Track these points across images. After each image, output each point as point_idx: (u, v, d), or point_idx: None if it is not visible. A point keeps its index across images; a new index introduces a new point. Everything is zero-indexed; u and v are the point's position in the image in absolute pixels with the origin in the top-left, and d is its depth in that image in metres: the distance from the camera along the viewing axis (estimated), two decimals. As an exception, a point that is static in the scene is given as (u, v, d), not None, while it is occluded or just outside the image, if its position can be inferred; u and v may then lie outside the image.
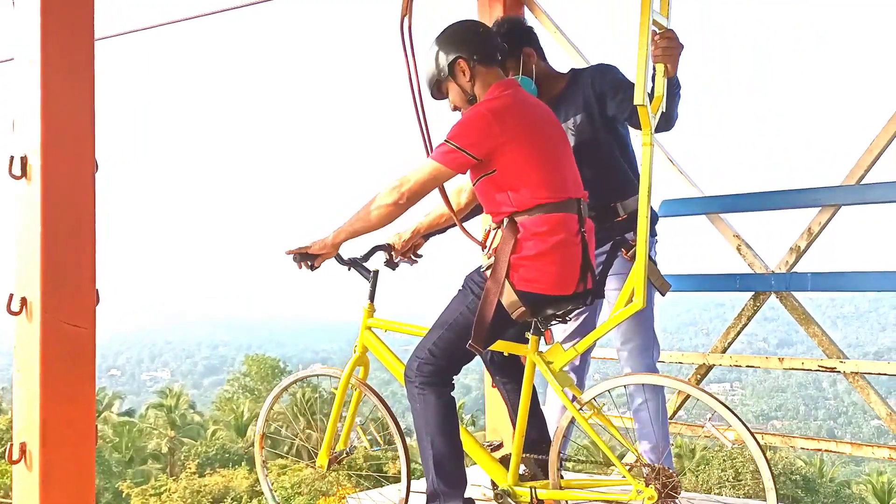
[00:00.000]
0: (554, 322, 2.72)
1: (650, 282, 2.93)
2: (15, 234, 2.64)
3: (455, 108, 2.83)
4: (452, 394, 2.74)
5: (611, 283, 3.04)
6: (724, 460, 22.98)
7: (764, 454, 2.39)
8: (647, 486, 2.48)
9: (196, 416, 41.06)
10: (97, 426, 2.89)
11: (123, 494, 27.98)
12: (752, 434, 2.44)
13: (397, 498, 3.15)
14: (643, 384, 2.94)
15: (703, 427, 2.66)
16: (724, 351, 4.13)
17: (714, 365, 4.11)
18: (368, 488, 3.90)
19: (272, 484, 3.39)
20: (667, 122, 2.90)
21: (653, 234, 3.20)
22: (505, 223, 2.61)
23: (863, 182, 3.74)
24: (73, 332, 2.65)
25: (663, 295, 3.09)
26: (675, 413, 4.20)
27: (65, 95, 2.68)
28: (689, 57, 2.72)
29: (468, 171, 2.69)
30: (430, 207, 3.19)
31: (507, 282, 2.56)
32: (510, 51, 2.95)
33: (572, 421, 2.67)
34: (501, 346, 2.79)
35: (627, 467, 2.58)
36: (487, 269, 2.62)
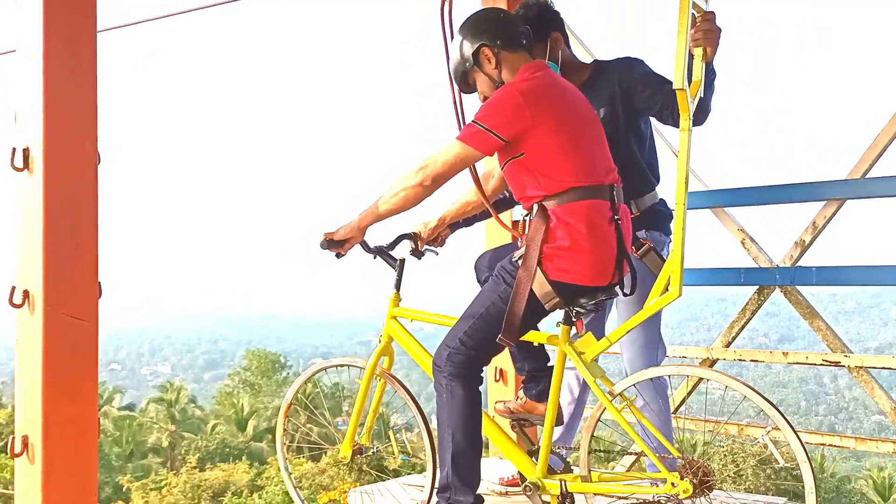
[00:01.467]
0: (585, 312, 2.67)
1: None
2: (17, 227, 2.63)
3: (485, 99, 2.74)
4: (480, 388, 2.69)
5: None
6: (724, 456, 22.97)
7: (809, 459, 2.32)
8: (682, 479, 2.43)
9: (197, 410, 41.08)
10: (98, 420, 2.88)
11: (124, 488, 28.01)
12: (798, 437, 2.36)
13: (399, 491, 3.14)
14: (646, 382, 2.88)
15: (759, 438, 2.59)
16: (728, 345, 4.11)
17: (718, 359, 4.10)
18: (370, 482, 3.88)
19: (273, 479, 3.38)
20: (702, 112, 2.83)
21: (667, 232, 3.17)
22: (535, 210, 2.54)
23: (868, 176, 3.72)
24: (76, 325, 2.65)
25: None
26: (677, 408, 4.19)
27: (67, 88, 2.66)
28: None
29: (496, 155, 2.63)
30: (458, 195, 3.15)
31: (539, 271, 2.49)
32: (537, 35, 2.90)
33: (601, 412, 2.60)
34: (532, 335, 2.73)
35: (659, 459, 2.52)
36: (519, 258, 2.55)
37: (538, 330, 2.76)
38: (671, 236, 3.16)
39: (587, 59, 3.67)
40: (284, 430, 3.39)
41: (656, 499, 2.50)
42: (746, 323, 4.05)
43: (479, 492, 2.70)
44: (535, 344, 2.88)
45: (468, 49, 2.68)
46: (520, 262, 2.54)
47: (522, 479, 2.75)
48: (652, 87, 2.88)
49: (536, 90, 2.52)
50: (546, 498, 2.67)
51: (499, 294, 2.60)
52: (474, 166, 2.82)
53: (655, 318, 3.06)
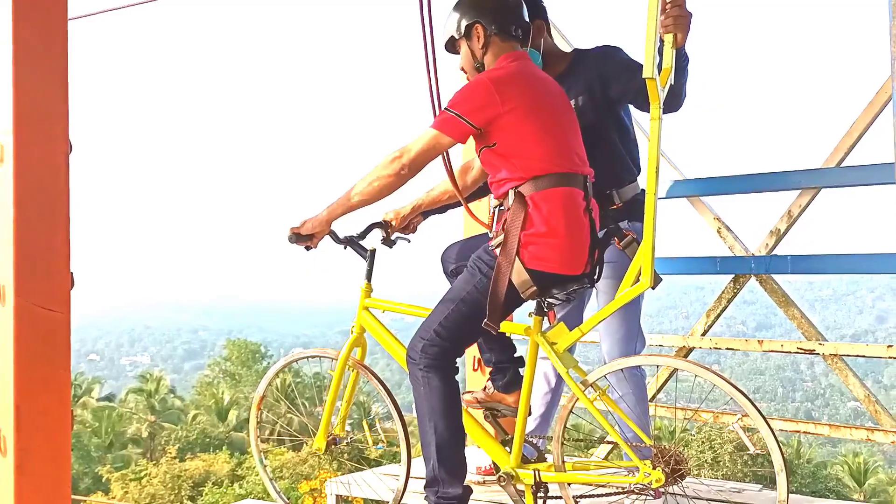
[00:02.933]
0: (557, 303, 2.68)
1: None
2: (-14, 217, 2.59)
3: (462, 70, 2.78)
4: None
5: (602, 272, 3.02)
6: (702, 442, 23.18)
7: (778, 443, 2.33)
8: (654, 468, 2.45)
9: (176, 400, 40.89)
10: (75, 411, 2.85)
11: (103, 479, 27.86)
12: (767, 423, 2.37)
13: (376, 481, 3.14)
14: (623, 372, 2.88)
15: (731, 425, 2.61)
16: (705, 334, 4.14)
17: (694, 347, 4.12)
18: (351, 471, 3.88)
19: (253, 469, 3.39)
20: (675, 99, 2.82)
21: None
22: (512, 197, 2.53)
23: (843, 165, 3.75)
24: (48, 316, 2.61)
25: (653, 288, 3.07)
26: (654, 396, 4.22)
27: (37, 76, 2.62)
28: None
29: (474, 144, 2.63)
30: (433, 184, 3.13)
31: (517, 259, 2.49)
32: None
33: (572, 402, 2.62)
34: (504, 326, 2.71)
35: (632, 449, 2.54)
36: (497, 246, 2.54)
37: (511, 320, 2.77)
38: None
39: (567, 49, 3.66)
40: (258, 422, 3.38)
41: (629, 488, 2.52)
42: (722, 312, 4.08)
43: (469, 483, 2.70)
44: (503, 334, 2.89)
45: (464, 19, 2.68)
46: (497, 250, 2.54)
47: (497, 468, 2.75)
48: (628, 75, 2.87)
49: (507, 78, 2.54)
50: (520, 487, 2.67)
51: (474, 284, 2.60)
52: (448, 157, 2.83)
53: (635, 309, 3.06)
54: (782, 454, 2.33)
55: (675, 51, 2.52)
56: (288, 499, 3.30)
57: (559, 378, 3.32)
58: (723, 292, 4.09)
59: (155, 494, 25.03)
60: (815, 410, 72.29)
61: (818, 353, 3.73)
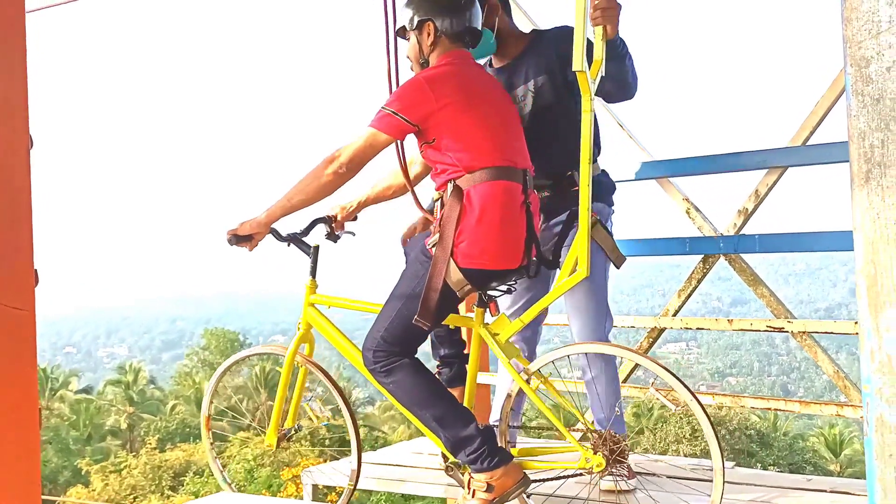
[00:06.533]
0: (498, 294, 2.73)
1: (605, 253, 2.93)
2: (-54, 215, 2.55)
3: (407, 57, 2.82)
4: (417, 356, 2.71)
5: (565, 253, 3.03)
6: (680, 418, 23.43)
7: (707, 416, 2.43)
8: (595, 453, 2.50)
9: (156, 391, 40.72)
10: (52, 405, 2.83)
11: (83, 472, 27.71)
12: (695, 397, 2.49)
13: (349, 470, 3.14)
14: (595, 355, 2.93)
15: (647, 391, 2.71)
16: (676, 313, 4.17)
17: (666, 328, 4.15)
18: (335, 458, 3.92)
19: (234, 457, 3.42)
20: (623, 87, 2.87)
21: (609, 203, 3.18)
22: (449, 190, 2.57)
23: (808, 143, 3.77)
24: (12, 314, 2.58)
25: (618, 267, 3.09)
26: (629, 375, 4.25)
27: (-6, 69, 2.58)
28: (634, 21, 2.71)
29: (416, 141, 2.68)
30: (378, 178, 3.14)
31: (451, 261, 2.53)
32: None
33: (521, 391, 2.69)
34: (447, 319, 2.77)
35: (578, 435, 2.60)
36: (433, 246, 2.58)
37: (457, 312, 2.81)
38: (613, 207, 3.18)
39: (529, 29, 3.65)
40: (212, 442, 3.41)
41: (573, 473, 2.59)
42: (693, 291, 4.10)
43: (439, 457, 2.79)
44: (452, 328, 2.97)
45: (417, 15, 2.72)
46: (433, 249, 2.57)
47: (444, 458, 2.80)
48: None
49: (441, 76, 2.60)
50: (466, 476, 2.70)
51: (413, 288, 2.62)
52: (402, 150, 2.87)
53: (602, 290, 3.08)
54: (713, 427, 2.41)
55: (606, 42, 2.57)
56: (269, 486, 3.35)
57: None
58: (693, 272, 4.11)
59: (135, 486, 24.95)
60: (792, 384, 73.30)
61: (787, 331, 3.77)
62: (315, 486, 3.51)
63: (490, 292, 2.68)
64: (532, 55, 3.03)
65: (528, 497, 2.73)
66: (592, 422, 2.99)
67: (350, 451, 3.05)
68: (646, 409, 26.52)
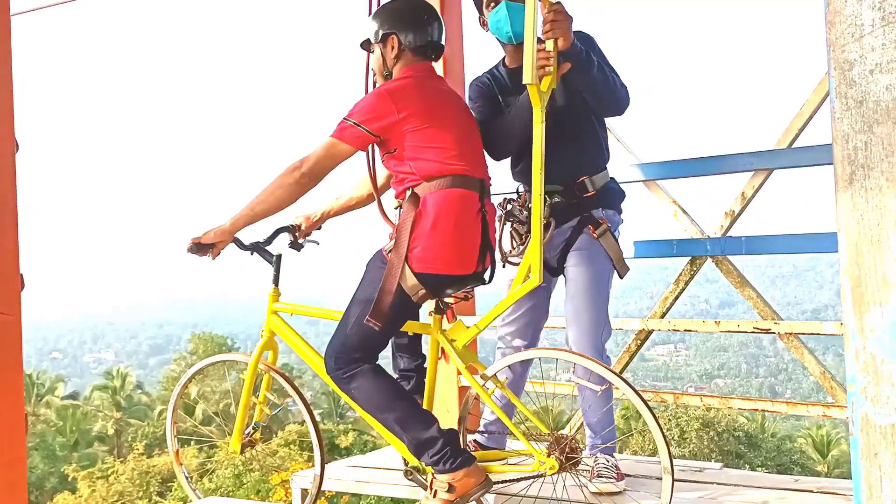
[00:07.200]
0: (454, 302, 2.77)
1: (612, 262, 2.96)
2: (-70, 220, 2.54)
3: (371, 69, 2.89)
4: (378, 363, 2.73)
5: (572, 259, 3.03)
6: (668, 420, 23.48)
7: (655, 419, 2.45)
8: (548, 456, 2.52)
9: (143, 396, 40.47)
10: (39, 411, 2.82)
11: (70, 478, 27.50)
12: (642, 399, 2.52)
13: (343, 473, 3.15)
14: (583, 368, 2.93)
15: (570, 378, 2.77)
16: (664, 315, 4.17)
17: (654, 330, 4.16)
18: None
19: (223, 463, 3.47)
20: (598, 100, 2.91)
21: (619, 210, 3.18)
22: (407, 196, 2.62)
23: (794, 146, 3.79)
24: (-2, 319, 2.56)
25: (622, 277, 3.10)
26: (623, 368, 4.25)
27: (-21, 73, 2.57)
28: (621, 26, 2.72)
29: (377, 152, 2.76)
30: (343, 190, 3.18)
31: (406, 266, 2.56)
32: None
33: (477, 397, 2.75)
34: (406, 325, 2.81)
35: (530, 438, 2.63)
36: (388, 252, 2.61)
37: (416, 319, 2.83)
38: (622, 216, 3.20)
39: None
40: (188, 476, 3.44)
41: (528, 476, 2.59)
42: (680, 294, 4.11)
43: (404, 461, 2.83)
44: (411, 335, 3.02)
45: (382, 29, 2.77)
46: (389, 254, 2.61)
47: (405, 463, 2.84)
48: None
49: (403, 88, 2.65)
50: (428, 478, 2.72)
51: (370, 294, 2.63)
52: (373, 161, 2.92)
53: (603, 299, 3.07)
54: (660, 426, 2.45)
55: (561, 54, 2.60)
56: (258, 491, 3.40)
57: (522, 369, 3.32)
58: (680, 274, 4.12)
59: (123, 492, 24.77)
60: (779, 385, 73.51)
61: (774, 333, 3.78)
62: (304, 491, 3.50)
63: (446, 299, 2.71)
64: None
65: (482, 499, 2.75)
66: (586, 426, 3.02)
67: (332, 456, 3.08)
68: (635, 411, 26.56)
